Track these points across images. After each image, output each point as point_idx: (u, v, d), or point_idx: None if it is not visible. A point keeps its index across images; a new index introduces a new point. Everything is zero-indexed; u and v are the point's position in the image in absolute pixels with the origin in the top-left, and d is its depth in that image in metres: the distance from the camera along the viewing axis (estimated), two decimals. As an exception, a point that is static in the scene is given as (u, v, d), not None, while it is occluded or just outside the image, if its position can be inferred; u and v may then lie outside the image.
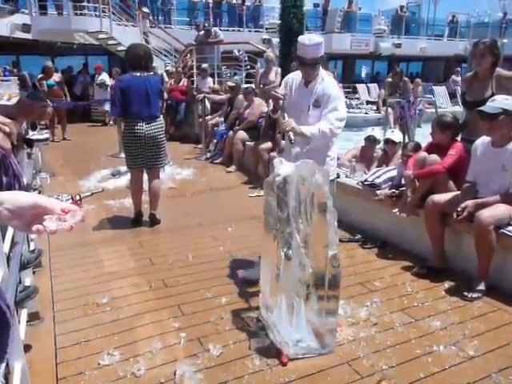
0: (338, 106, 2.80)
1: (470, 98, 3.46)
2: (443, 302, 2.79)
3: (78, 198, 4.77)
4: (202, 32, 10.50)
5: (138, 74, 4.00)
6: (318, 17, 18.69)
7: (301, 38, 2.80)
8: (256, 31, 16.05)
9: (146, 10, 12.82)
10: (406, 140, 5.78)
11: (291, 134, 2.61)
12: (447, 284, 3.01)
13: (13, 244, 1.91)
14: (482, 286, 2.85)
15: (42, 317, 2.61)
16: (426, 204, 3.19)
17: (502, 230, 2.83)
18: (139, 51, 4.06)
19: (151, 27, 12.56)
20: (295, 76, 2.98)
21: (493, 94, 3.16)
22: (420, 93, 10.61)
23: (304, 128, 2.70)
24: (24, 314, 2.39)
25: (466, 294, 2.83)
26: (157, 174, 4.26)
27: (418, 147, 3.81)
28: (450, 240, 3.20)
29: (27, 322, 2.43)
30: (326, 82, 2.87)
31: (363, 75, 19.76)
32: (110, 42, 11.70)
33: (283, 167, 2.24)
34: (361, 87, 15.86)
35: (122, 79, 4.24)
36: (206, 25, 11.46)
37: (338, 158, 4.81)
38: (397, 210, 3.51)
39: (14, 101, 3.94)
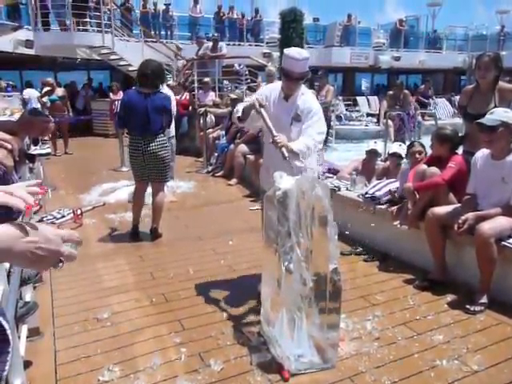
0: (319, 121, 2.79)
1: (472, 111, 3.47)
2: (446, 316, 2.77)
3: (79, 212, 4.77)
4: (208, 44, 10.61)
5: (145, 90, 4.05)
6: (319, 31, 18.93)
7: (290, 52, 2.72)
8: (256, 45, 16.22)
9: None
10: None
11: (284, 150, 2.54)
12: (449, 297, 3.00)
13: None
14: (484, 299, 2.83)
15: (42, 332, 2.60)
16: (426, 216, 3.19)
17: (503, 243, 2.82)
18: (146, 69, 4.08)
19: (154, 42, 12.71)
20: (274, 89, 2.93)
21: (495, 107, 3.17)
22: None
23: (294, 145, 2.64)
24: (24, 329, 2.37)
25: (468, 307, 2.81)
26: (160, 187, 4.27)
27: (423, 146, 3.92)
28: (452, 252, 3.19)
29: (27, 337, 2.42)
30: (306, 96, 2.85)
31: (363, 88, 19.86)
32: (112, 56, 11.83)
33: (283, 181, 2.25)
34: (361, 100, 15.95)
35: (127, 93, 4.37)
36: (216, 34, 11.60)
37: (339, 171, 4.86)
38: (398, 222, 3.51)
39: (16, 116, 3.98)
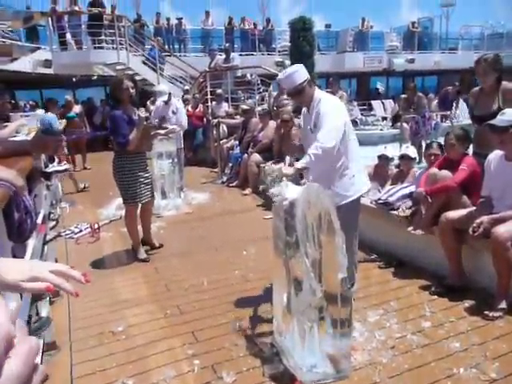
0: (323, 122, 2.70)
1: (477, 113, 3.46)
2: (463, 322, 2.71)
3: (96, 226, 4.85)
4: (221, 56, 10.75)
5: None
6: (331, 37, 18.93)
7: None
8: (269, 54, 16.31)
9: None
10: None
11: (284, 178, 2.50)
12: (467, 303, 2.93)
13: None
14: (503, 305, 2.76)
15: (59, 346, 2.65)
16: (439, 221, 3.13)
17: (520, 246, 2.75)
18: None
19: (168, 55, 12.91)
20: None
21: (499, 108, 3.16)
22: (435, 107, 10.54)
23: (297, 164, 2.63)
24: (40, 344, 2.42)
25: (486, 313, 2.75)
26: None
27: (441, 146, 3.81)
28: (468, 257, 3.12)
29: (44, 351, 2.47)
30: (322, 101, 2.81)
31: (378, 92, 19.68)
32: (128, 72, 12.05)
33: (290, 191, 2.25)
34: (376, 104, 15.83)
35: None
36: (227, 45, 11.78)
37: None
38: (412, 228, 3.46)
39: (32, 135, 4.10)
